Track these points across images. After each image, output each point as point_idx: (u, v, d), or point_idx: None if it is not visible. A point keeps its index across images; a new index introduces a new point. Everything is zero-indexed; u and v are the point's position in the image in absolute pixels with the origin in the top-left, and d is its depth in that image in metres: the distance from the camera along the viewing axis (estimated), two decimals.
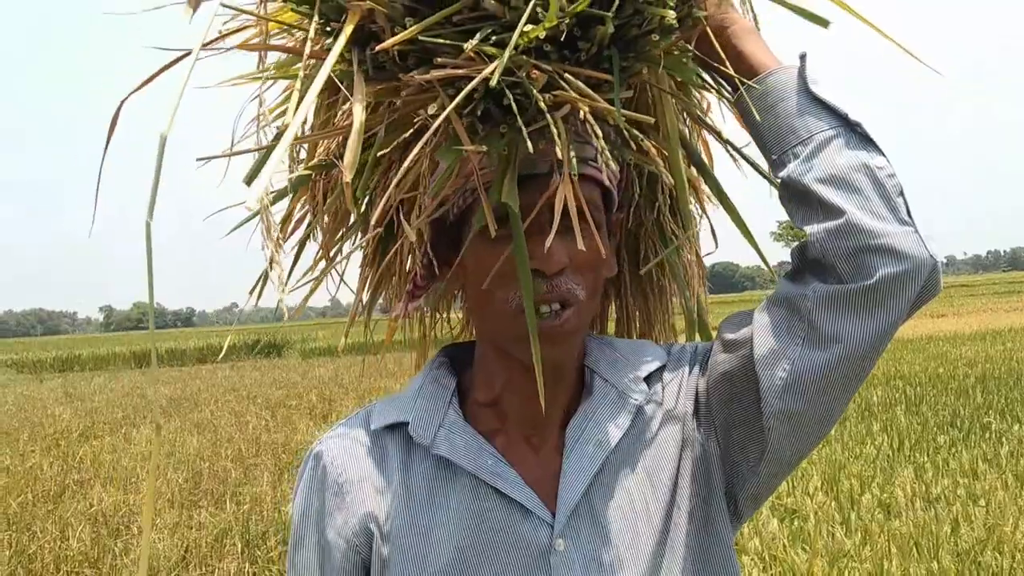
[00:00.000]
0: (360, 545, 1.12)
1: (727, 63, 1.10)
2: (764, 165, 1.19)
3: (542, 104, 0.92)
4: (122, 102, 0.95)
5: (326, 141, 1.12)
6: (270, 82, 1.20)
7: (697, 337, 1.36)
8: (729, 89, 1.16)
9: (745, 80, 1.10)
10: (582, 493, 1.09)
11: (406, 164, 0.99)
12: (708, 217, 1.36)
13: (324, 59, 0.94)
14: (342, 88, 1.00)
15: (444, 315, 1.49)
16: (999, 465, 7.80)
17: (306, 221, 1.23)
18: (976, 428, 9.59)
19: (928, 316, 32.69)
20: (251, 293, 1.16)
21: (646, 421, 1.16)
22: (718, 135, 1.29)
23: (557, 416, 1.16)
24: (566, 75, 0.95)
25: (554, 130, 0.93)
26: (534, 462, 1.14)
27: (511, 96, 0.92)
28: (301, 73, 0.98)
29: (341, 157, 0.98)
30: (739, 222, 1.22)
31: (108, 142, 0.96)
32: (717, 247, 1.38)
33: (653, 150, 1.09)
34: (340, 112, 1.06)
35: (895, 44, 1.10)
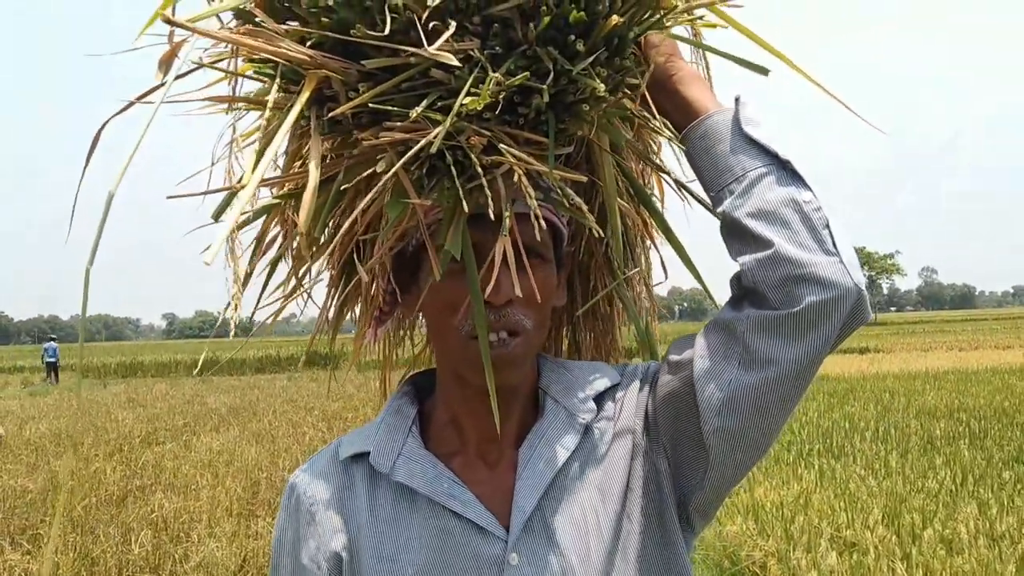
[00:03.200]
0: (331, 569, 1.21)
1: (668, 111, 1.21)
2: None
3: (478, 168, 1.00)
4: (99, 131, 1.03)
5: (297, 164, 1.18)
6: (246, 111, 1.25)
7: (650, 359, 1.42)
8: (676, 133, 1.24)
9: (688, 124, 1.18)
10: (532, 509, 1.16)
11: (355, 212, 1.07)
12: (659, 251, 1.44)
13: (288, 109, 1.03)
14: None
15: (406, 335, 1.57)
16: None
17: (278, 241, 1.29)
18: None
19: (993, 348, 32.05)
20: (224, 311, 1.21)
21: (596, 439, 1.23)
22: (667, 174, 1.36)
23: (512, 436, 1.24)
24: (506, 137, 1.03)
25: (487, 192, 1.01)
26: (489, 480, 1.21)
27: (451, 158, 1.01)
28: (265, 129, 1.08)
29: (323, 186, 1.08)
30: (684, 256, 1.29)
31: (87, 163, 1.02)
32: (666, 279, 1.46)
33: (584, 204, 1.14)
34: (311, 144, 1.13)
35: (838, 101, 1.18)
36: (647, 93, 1.19)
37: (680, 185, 1.32)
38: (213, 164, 1.23)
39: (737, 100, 1.16)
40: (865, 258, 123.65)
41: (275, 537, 1.29)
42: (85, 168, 1.00)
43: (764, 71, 1.14)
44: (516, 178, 1.02)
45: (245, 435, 13.70)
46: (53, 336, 36.62)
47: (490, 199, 1.02)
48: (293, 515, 1.26)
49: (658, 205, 1.37)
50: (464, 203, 1.02)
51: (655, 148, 1.37)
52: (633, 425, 1.24)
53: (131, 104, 1.02)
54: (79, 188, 0.99)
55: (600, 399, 1.26)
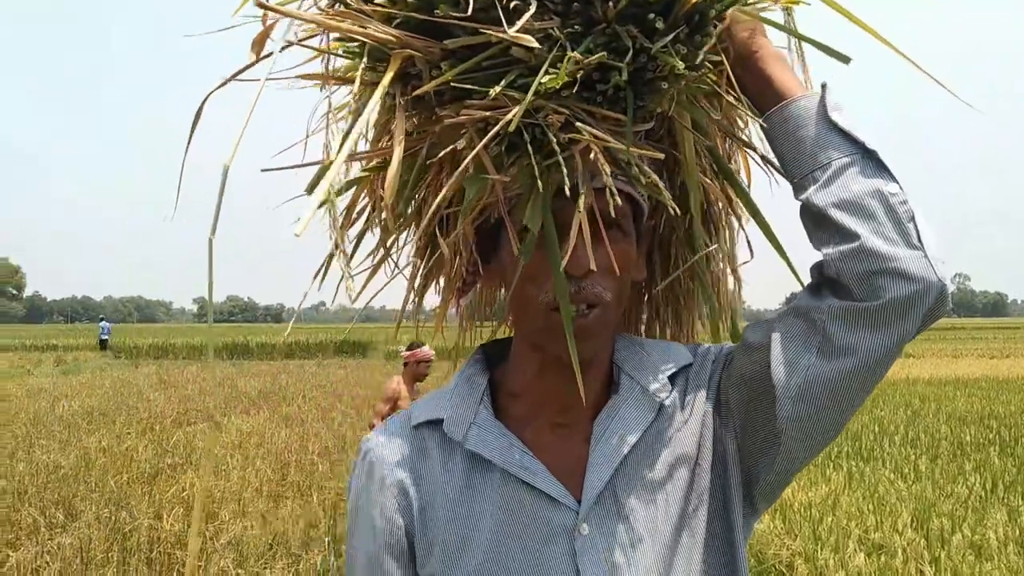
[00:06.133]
0: (406, 532, 1.25)
1: (750, 90, 1.19)
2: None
3: (555, 146, 1.03)
4: (199, 109, 1.07)
5: (385, 139, 1.20)
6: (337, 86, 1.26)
7: (728, 341, 1.41)
8: (758, 113, 1.22)
9: (769, 104, 1.17)
10: (606, 482, 1.18)
11: (445, 189, 1.09)
12: (744, 230, 1.42)
13: (375, 86, 1.05)
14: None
15: (489, 306, 1.58)
16: None
17: (366, 212, 1.31)
18: None
19: None
20: (315, 277, 1.23)
21: (668, 417, 1.24)
22: (753, 150, 1.35)
23: (586, 408, 1.24)
24: (585, 114, 1.05)
25: (563, 169, 1.03)
26: (562, 450, 1.23)
27: (528, 136, 1.03)
28: (353, 106, 1.11)
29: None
30: (770, 235, 1.28)
31: (189, 140, 1.06)
32: (752, 257, 1.43)
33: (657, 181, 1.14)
34: (395, 121, 1.14)
35: (934, 79, 1.16)
36: (729, 70, 1.18)
37: (767, 163, 1.32)
38: (310, 136, 1.25)
39: (824, 86, 1.15)
40: None
41: (351, 503, 1.33)
42: (188, 144, 1.03)
43: (846, 59, 1.13)
44: (592, 155, 1.03)
45: (275, 418, 13.82)
46: (103, 316, 45.05)
47: (566, 176, 1.03)
48: (366, 479, 1.29)
49: (744, 183, 1.37)
50: (539, 182, 1.04)
51: (741, 124, 1.36)
52: (705, 405, 1.25)
53: (227, 81, 1.05)
54: (184, 161, 1.02)
55: (673, 378, 1.27)
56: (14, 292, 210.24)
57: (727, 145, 1.38)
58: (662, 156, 1.13)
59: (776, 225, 1.28)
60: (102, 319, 50.69)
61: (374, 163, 1.21)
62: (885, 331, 1.07)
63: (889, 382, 20.20)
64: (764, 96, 1.18)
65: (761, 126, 1.21)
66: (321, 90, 1.16)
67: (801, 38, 1.22)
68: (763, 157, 1.32)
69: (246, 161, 1.10)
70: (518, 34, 0.98)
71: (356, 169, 1.27)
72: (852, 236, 1.08)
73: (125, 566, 6.43)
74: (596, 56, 1.00)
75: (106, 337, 45.55)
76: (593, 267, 1.08)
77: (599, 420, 1.22)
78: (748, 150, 1.36)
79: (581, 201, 1.05)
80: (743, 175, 1.39)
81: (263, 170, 1.14)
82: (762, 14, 1.19)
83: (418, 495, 1.25)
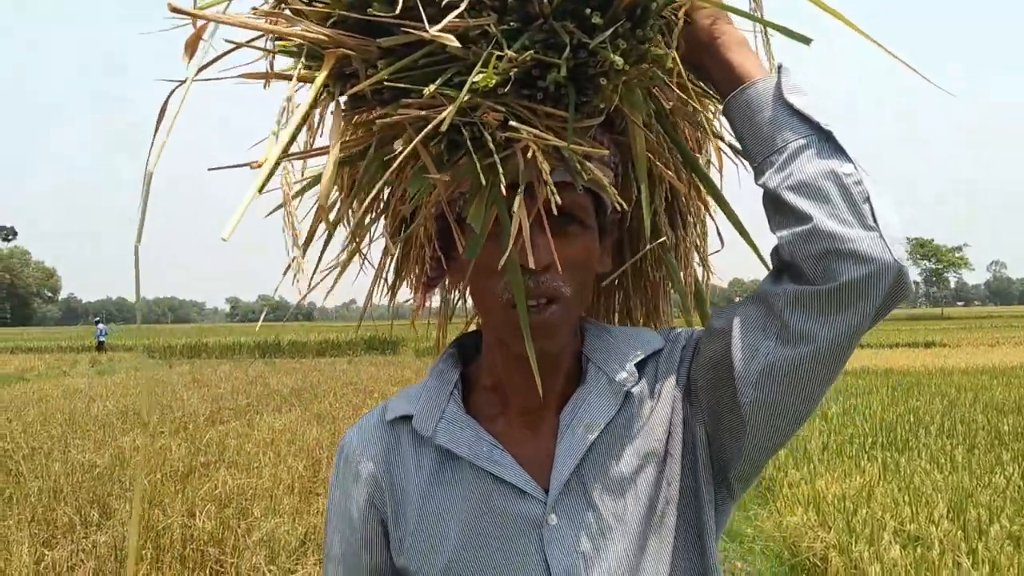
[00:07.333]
0: (377, 524, 1.28)
1: (713, 76, 1.19)
2: None
3: (491, 145, 1.01)
4: (162, 107, 1.02)
5: (351, 135, 1.16)
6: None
7: (700, 327, 1.41)
8: (719, 99, 1.22)
9: (732, 90, 1.16)
10: (572, 472, 1.18)
11: (377, 187, 1.10)
12: (714, 219, 1.42)
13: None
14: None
15: (461, 299, 1.56)
16: None
17: (337, 206, 1.29)
18: None
19: None
20: (284, 274, 1.20)
21: (636, 404, 1.23)
22: (721, 139, 1.36)
23: (554, 401, 1.25)
24: (526, 111, 1.03)
25: (499, 168, 1.02)
26: (530, 444, 1.23)
27: (467, 135, 1.01)
28: (286, 105, 1.07)
29: (358, 157, 1.13)
30: (736, 223, 1.28)
31: (162, 140, 1.01)
32: (723, 246, 1.44)
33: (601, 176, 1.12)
34: (354, 117, 1.13)
35: (906, 65, 1.15)
36: (693, 57, 1.18)
37: (736, 151, 1.31)
38: (297, 131, 1.24)
39: (780, 68, 1.14)
40: (932, 251, 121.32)
41: (329, 494, 1.35)
42: (162, 144, 1.01)
43: (806, 40, 1.11)
44: (530, 154, 1.02)
45: (306, 416, 13.88)
46: (99, 319, 46.58)
47: (503, 175, 1.02)
48: (342, 473, 1.32)
49: (714, 172, 1.37)
50: (482, 177, 1.02)
51: (711, 114, 1.35)
52: (674, 392, 1.24)
53: (183, 82, 1.02)
54: (147, 163, 0.99)
55: (642, 365, 1.26)
56: (50, 295, 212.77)
57: (697, 134, 1.37)
58: (606, 152, 1.11)
59: (750, 213, 1.27)
60: (98, 321, 51.22)
61: (338, 156, 1.19)
62: (842, 315, 1.05)
63: (925, 372, 20.03)
64: (727, 82, 1.17)
65: (724, 112, 1.19)
66: (266, 88, 1.13)
67: (759, 21, 1.21)
68: (731, 145, 1.32)
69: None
70: (440, 33, 0.96)
71: (317, 165, 1.25)
72: (805, 218, 1.06)
73: (159, 563, 6.46)
74: (527, 54, 0.98)
75: (103, 339, 46.23)
76: (532, 265, 1.06)
77: (564, 412, 1.22)
78: (717, 139, 1.36)
79: (518, 198, 1.04)
80: (715, 166, 1.39)
81: (209, 169, 1.13)
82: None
83: (391, 489, 1.26)
